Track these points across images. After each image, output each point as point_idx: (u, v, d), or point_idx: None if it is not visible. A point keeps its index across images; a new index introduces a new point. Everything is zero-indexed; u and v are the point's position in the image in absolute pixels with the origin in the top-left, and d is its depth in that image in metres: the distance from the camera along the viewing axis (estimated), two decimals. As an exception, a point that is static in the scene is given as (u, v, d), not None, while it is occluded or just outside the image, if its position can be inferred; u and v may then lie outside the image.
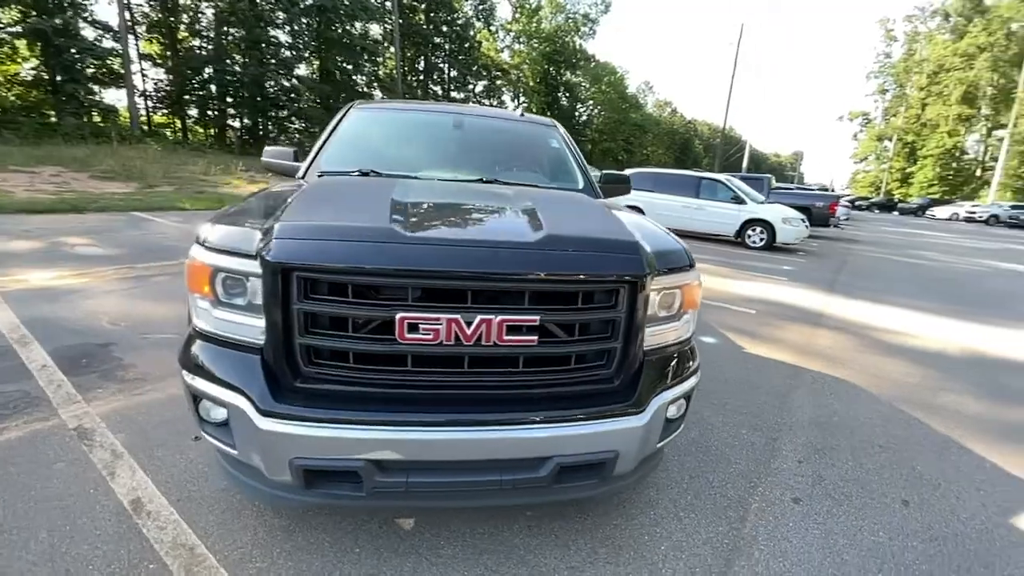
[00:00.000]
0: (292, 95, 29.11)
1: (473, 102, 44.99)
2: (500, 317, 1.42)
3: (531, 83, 44.64)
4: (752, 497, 2.21)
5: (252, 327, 1.48)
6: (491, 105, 46.09)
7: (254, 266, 1.44)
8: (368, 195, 1.97)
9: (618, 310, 1.54)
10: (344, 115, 2.98)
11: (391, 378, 1.47)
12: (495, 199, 2.11)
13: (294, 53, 29.43)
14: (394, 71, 35.01)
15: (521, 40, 45.76)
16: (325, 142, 2.79)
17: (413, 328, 1.40)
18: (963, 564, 1.91)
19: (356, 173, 2.56)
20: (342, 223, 1.52)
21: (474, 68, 41.59)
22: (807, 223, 11.55)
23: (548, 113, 48.84)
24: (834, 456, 2.60)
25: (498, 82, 44.68)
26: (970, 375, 4.02)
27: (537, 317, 1.45)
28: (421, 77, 41.34)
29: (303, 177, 2.58)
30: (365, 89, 33.66)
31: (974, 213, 30.13)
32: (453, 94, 43.61)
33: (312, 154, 2.72)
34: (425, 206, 1.86)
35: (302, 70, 30.58)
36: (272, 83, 28.28)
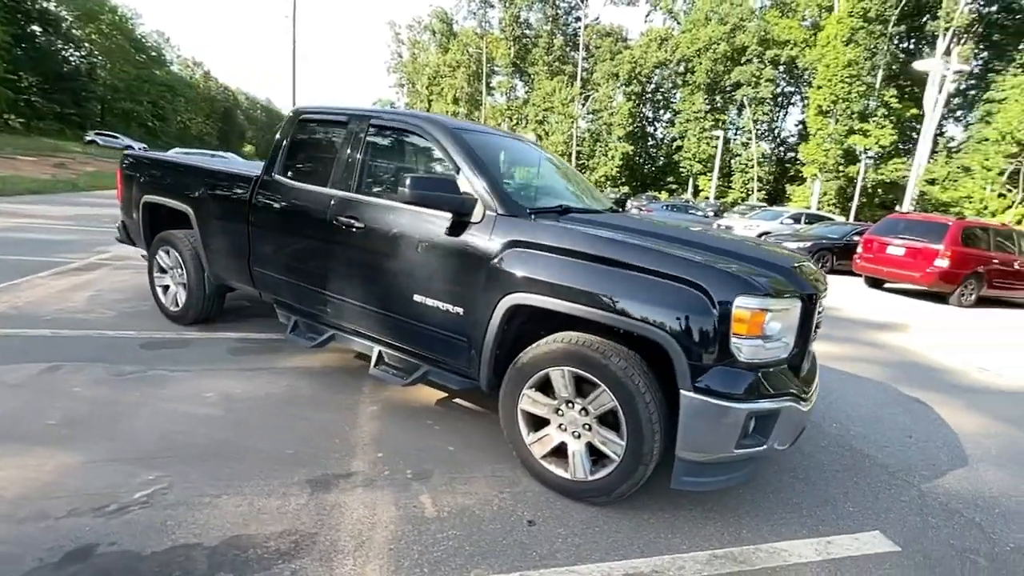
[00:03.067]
0: None
1: None
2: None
3: (-23, 0, 29.28)
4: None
5: (783, 346, 2.00)
6: None
7: (789, 303, 1.98)
8: (691, 235, 2.47)
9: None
10: (470, 141, 2.61)
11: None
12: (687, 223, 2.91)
13: None
14: None
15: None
16: (493, 173, 2.50)
17: (822, 319, 2.34)
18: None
19: (559, 208, 2.60)
20: (798, 263, 2.21)
21: None
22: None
23: (20, 49, 33.88)
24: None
25: None
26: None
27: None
28: None
29: (509, 214, 2.36)
30: None
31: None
32: None
33: (486, 189, 2.42)
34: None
35: None
36: None
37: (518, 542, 1.96)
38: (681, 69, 42.22)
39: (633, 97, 42.77)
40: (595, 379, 2.08)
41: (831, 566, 2.00)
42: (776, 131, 42.26)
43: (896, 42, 29.93)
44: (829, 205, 31.18)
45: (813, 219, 14.60)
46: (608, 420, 2.13)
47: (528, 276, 2.20)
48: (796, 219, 14.59)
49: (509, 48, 49.35)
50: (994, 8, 27.88)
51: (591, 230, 2.27)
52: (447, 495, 2.20)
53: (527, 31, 49.89)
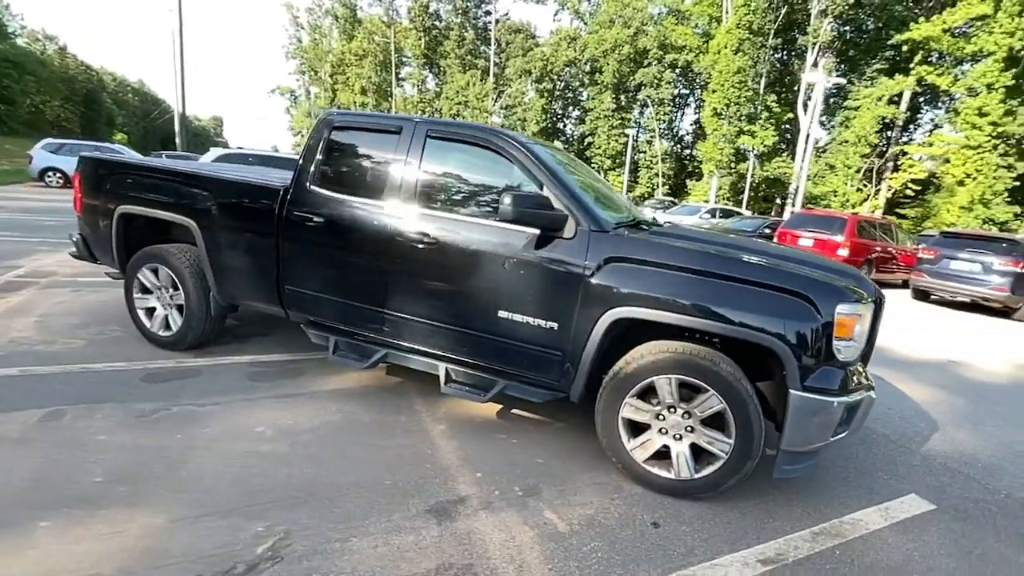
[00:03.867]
0: None
1: None
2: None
3: None
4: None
5: (861, 346, 2.29)
6: None
7: (868, 308, 2.27)
8: (765, 247, 2.70)
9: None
10: (543, 156, 2.61)
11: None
12: None
13: None
14: None
15: None
16: (576, 189, 2.53)
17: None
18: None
19: (632, 222, 2.70)
20: (860, 272, 2.50)
21: None
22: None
23: None
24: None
25: None
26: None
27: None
28: None
29: (599, 230, 2.43)
30: None
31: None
32: None
33: (573, 205, 2.46)
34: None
35: None
36: None
37: (656, 545, 2.07)
38: (588, 69, 44.00)
39: (545, 94, 43.84)
40: (704, 384, 2.23)
41: (900, 528, 2.35)
42: (675, 130, 45.59)
43: (774, 53, 33.62)
44: (724, 199, 34.40)
45: (726, 213, 16.17)
46: (710, 421, 2.30)
47: (633, 291, 2.30)
48: (712, 214, 16.05)
49: (419, 39, 48.22)
50: (848, 28, 32.42)
51: (686, 244, 2.42)
52: (566, 508, 2.25)
53: (437, 23, 49.02)
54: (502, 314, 2.55)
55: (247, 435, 2.57)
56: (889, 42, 29.60)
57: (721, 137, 32.33)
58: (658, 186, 39.81)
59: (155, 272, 3.43)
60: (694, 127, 44.69)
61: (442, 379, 2.77)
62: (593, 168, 44.51)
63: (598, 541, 2.05)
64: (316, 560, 1.80)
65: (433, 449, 2.63)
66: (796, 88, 33.32)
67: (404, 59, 53.64)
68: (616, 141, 40.66)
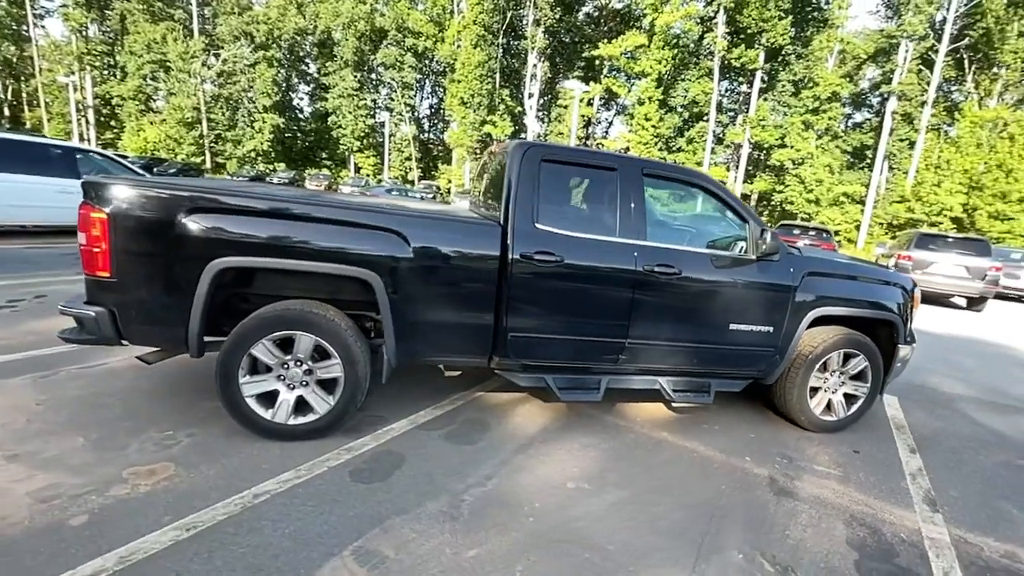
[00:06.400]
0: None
1: None
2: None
3: None
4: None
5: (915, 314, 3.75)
6: None
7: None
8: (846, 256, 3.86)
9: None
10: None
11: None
12: None
13: None
14: None
15: None
16: (762, 222, 3.16)
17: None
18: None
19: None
20: None
21: None
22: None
23: None
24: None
25: None
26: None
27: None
28: None
29: (787, 253, 3.21)
30: None
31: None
32: None
33: (772, 235, 3.13)
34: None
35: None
36: None
37: (875, 462, 3.08)
38: (317, 40, 40.77)
39: (275, 63, 38.77)
40: (859, 352, 3.32)
41: (909, 413, 3.98)
42: (417, 113, 46.76)
43: (502, 51, 37.95)
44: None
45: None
46: (853, 375, 3.43)
47: (828, 296, 3.20)
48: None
49: (73, -34, 35.70)
50: (553, 40, 39.05)
51: (829, 257, 3.43)
52: (820, 458, 3.06)
53: (100, -51, 37.08)
54: (733, 326, 3.10)
55: (573, 495, 2.46)
56: (584, 55, 37.20)
57: (469, 125, 35.06)
58: (411, 169, 40.59)
59: (279, 343, 2.56)
60: (431, 111, 46.89)
61: (669, 391, 3.13)
62: (338, 149, 42.26)
63: (859, 472, 2.95)
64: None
65: (694, 453, 3.01)
66: (520, 84, 38.67)
67: (43, -11, 39.01)
68: (363, 122, 39.41)
